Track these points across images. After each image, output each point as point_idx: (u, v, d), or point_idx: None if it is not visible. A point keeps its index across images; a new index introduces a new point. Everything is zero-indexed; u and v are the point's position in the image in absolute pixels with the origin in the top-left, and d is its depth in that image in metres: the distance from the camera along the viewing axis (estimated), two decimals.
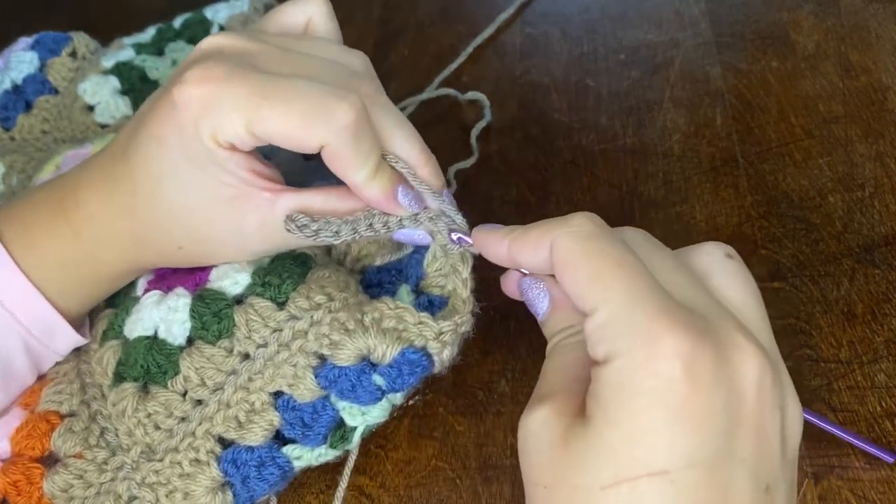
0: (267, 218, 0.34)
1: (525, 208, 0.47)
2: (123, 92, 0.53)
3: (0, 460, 0.37)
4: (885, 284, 0.39)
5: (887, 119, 0.46)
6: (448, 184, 0.49)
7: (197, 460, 0.34)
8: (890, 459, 0.33)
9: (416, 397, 0.40)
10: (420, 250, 0.37)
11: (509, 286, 0.32)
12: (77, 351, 0.40)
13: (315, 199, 0.34)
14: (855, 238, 0.41)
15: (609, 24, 0.57)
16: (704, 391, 0.23)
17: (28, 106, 0.54)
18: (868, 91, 0.47)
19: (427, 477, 0.37)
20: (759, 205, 0.44)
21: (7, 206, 0.37)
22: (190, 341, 0.36)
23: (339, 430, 0.35)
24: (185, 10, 0.58)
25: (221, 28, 0.56)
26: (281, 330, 0.35)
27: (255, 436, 0.34)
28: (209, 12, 0.57)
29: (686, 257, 0.28)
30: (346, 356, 0.33)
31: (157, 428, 0.35)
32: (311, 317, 0.35)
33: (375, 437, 0.39)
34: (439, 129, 0.54)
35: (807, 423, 0.31)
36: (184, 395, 0.35)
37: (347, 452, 0.37)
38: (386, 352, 0.33)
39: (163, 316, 0.36)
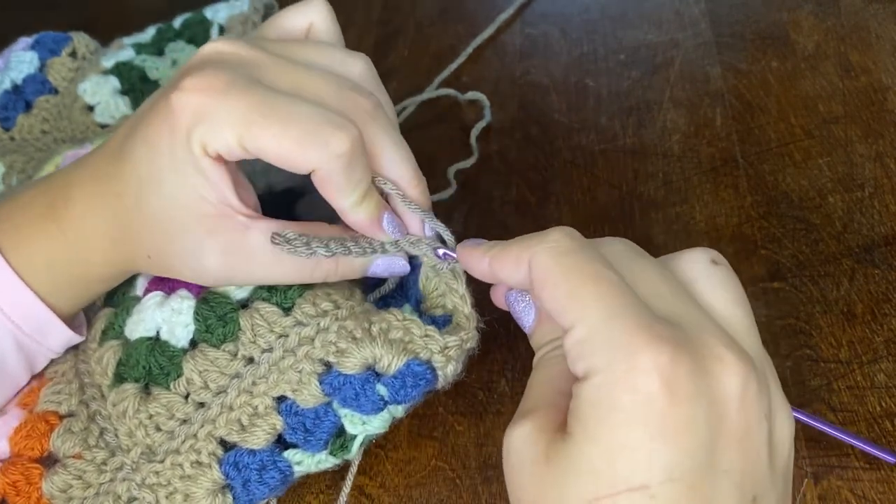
0: (235, 242, 0.33)
1: (525, 208, 0.47)
2: (123, 92, 0.53)
3: None
4: (884, 284, 0.39)
5: (887, 119, 0.46)
6: (448, 184, 0.49)
7: (198, 462, 0.34)
8: (890, 459, 0.33)
9: None
10: (417, 271, 0.37)
11: (498, 299, 0.32)
12: (75, 350, 0.40)
13: (290, 230, 0.34)
14: (855, 238, 0.41)
15: (609, 24, 0.57)
16: (684, 404, 0.23)
17: (28, 106, 0.54)
18: (868, 91, 0.47)
19: (427, 477, 0.37)
20: (758, 205, 0.44)
21: None
22: (193, 344, 0.36)
23: (340, 437, 0.35)
24: (185, 10, 0.58)
25: (221, 28, 0.56)
26: (286, 335, 0.35)
27: (258, 439, 0.34)
28: (209, 12, 0.57)
29: (671, 265, 0.28)
30: (352, 364, 0.33)
31: (159, 429, 0.35)
32: (318, 324, 0.35)
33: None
34: (439, 129, 0.54)
35: (807, 424, 0.32)
36: (186, 397, 0.35)
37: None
38: (392, 362, 0.33)
39: (165, 317, 0.36)
